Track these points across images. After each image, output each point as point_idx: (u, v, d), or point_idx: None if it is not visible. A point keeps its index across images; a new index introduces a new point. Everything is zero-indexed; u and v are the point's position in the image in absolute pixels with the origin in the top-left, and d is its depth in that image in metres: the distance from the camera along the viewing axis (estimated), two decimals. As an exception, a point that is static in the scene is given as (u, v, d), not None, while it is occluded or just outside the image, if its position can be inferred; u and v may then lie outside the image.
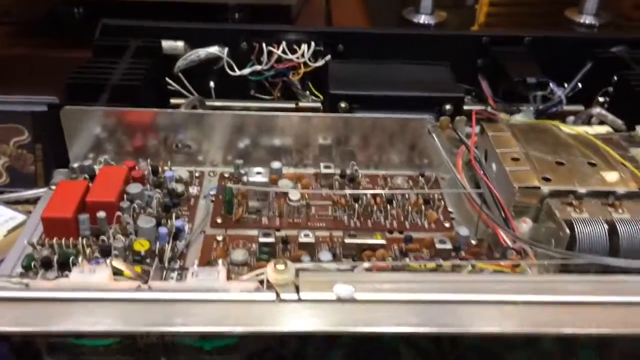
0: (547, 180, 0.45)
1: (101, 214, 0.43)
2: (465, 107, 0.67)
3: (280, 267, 0.34)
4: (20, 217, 0.64)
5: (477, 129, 0.54)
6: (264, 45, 0.66)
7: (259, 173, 0.47)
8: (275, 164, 0.51)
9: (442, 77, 0.62)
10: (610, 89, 0.66)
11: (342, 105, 0.57)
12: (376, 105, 0.57)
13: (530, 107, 0.67)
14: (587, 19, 0.96)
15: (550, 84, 0.70)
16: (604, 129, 0.53)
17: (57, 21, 0.98)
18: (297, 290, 0.34)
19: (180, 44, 0.66)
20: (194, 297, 0.33)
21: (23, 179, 0.76)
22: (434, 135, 0.52)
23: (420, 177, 0.52)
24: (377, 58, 0.67)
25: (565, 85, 0.72)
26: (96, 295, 0.33)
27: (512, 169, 0.46)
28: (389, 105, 0.57)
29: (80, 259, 0.39)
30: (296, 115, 0.52)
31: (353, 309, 0.33)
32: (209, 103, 0.65)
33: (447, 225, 0.48)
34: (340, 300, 0.33)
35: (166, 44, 0.65)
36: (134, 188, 0.46)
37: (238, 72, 0.66)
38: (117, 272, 0.35)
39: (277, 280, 0.34)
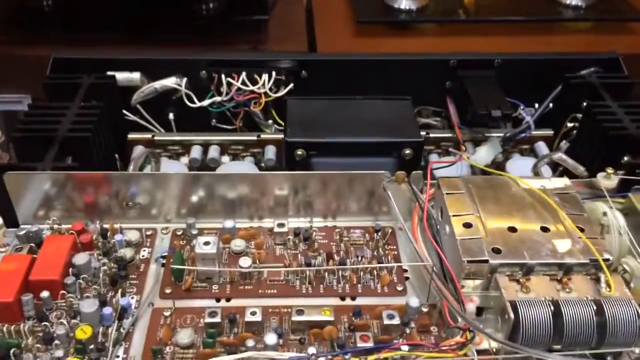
0: (497, 252, 0.44)
1: (45, 294, 0.43)
2: (432, 135, 0.67)
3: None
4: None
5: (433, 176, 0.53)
6: (223, 76, 0.64)
7: (206, 244, 0.46)
8: (228, 223, 0.51)
9: (404, 115, 0.60)
10: (579, 115, 0.65)
11: (299, 152, 0.55)
12: (335, 152, 0.56)
13: (499, 135, 0.66)
14: (574, 0, 0.93)
15: (520, 107, 0.69)
16: (562, 182, 0.51)
17: (26, 15, 0.95)
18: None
19: (136, 75, 0.64)
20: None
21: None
22: (389, 193, 0.51)
23: (375, 233, 0.52)
24: (341, 84, 0.66)
25: (536, 105, 0.71)
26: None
27: (462, 239, 0.45)
28: (348, 151, 0.56)
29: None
30: (252, 173, 0.51)
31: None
32: (168, 138, 0.64)
33: (399, 288, 0.48)
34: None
35: (121, 76, 0.63)
36: (81, 259, 0.46)
37: (198, 104, 0.65)
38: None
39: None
